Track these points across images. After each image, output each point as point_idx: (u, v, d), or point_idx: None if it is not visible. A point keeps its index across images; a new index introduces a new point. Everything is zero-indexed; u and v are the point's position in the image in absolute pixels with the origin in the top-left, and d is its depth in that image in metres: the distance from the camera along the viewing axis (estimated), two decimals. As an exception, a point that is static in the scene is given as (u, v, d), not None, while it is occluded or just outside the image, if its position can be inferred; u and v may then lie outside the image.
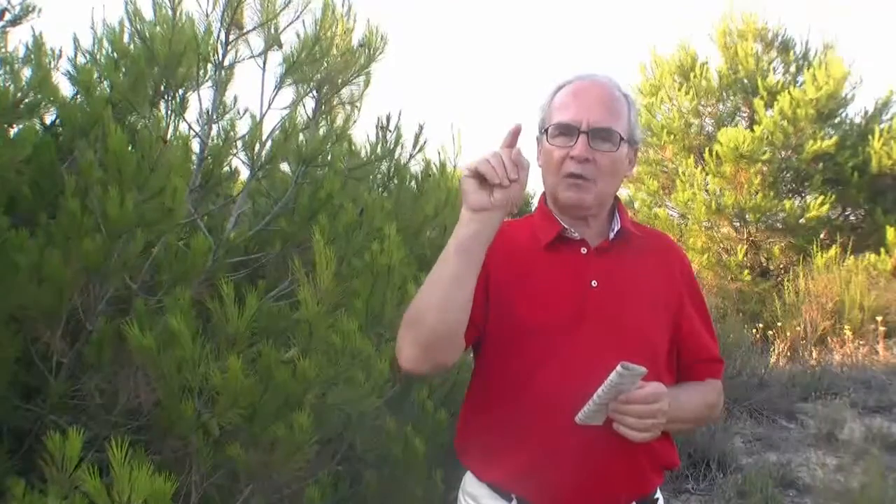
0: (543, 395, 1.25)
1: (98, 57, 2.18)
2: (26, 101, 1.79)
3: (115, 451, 1.11)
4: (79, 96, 1.97)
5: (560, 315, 1.28)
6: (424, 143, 2.99)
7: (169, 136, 2.06)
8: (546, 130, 1.31)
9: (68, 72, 2.07)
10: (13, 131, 1.82)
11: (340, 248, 1.83)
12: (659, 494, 1.39)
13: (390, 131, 2.82)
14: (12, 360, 1.65)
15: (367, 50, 2.70)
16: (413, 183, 3.00)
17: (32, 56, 1.92)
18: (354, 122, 2.83)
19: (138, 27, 2.13)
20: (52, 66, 2.06)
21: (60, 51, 2.03)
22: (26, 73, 1.88)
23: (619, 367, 1.11)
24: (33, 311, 1.60)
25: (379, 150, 2.74)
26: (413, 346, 1.19)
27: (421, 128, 2.97)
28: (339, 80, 2.67)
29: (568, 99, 1.30)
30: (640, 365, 1.13)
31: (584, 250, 1.33)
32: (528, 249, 1.34)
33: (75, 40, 2.16)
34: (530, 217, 1.43)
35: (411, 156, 2.99)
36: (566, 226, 1.33)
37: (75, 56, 2.16)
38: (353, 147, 2.82)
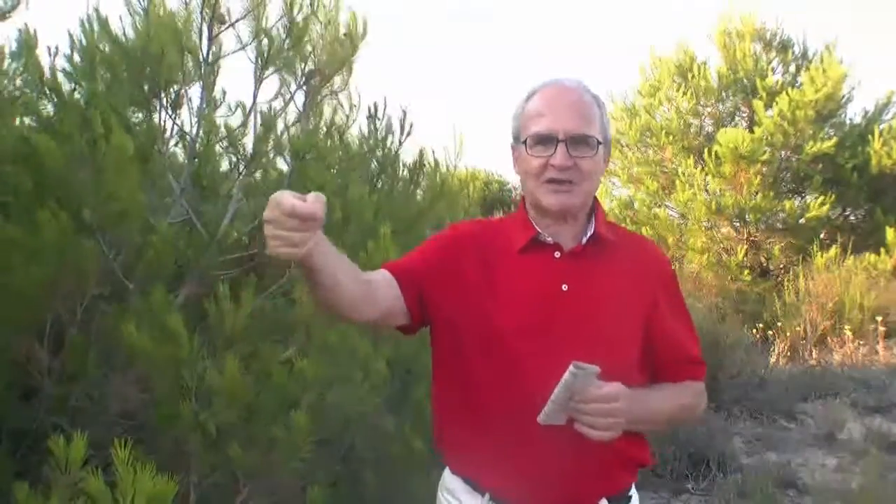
0: (513, 396, 1.27)
1: (92, 57, 2.16)
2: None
3: (119, 452, 1.10)
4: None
5: (531, 318, 1.30)
6: (411, 127, 2.98)
7: (160, 136, 2.05)
8: (524, 142, 1.33)
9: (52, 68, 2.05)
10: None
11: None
12: (633, 492, 1.40)
13: (379, 119, 2.81)
14: (10, 363, 1.64)
15: (349, 39, 2.66)
16: (405, 173, 2.99)
17: (25, 53, 1.91)
18: (352, 117, 2.82)
19: (116, 27, 2.12)
20: (51, 63, 2.04)
21: (57, 48, 2.01)
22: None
23: (571, 367, 1.14)
24: (10, 323, 1.59)
25: (371, 141, 2.73)
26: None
27: (405, 112, 2.96)
28: (326, 71, 2.64)
29: (541, 108, 1.33)
30: (606, 365, 1.16)
31: (557, 254, 1.35)
32: (503, 252, 1.37)
33: (71, 37, 2.15)
34: (508, 220, 1.46)
35: (401, 142, 2.98)
36: (540, 230, 1.36)
37: (72, 54, 2.14)
38: (343, 139, 2.80)
